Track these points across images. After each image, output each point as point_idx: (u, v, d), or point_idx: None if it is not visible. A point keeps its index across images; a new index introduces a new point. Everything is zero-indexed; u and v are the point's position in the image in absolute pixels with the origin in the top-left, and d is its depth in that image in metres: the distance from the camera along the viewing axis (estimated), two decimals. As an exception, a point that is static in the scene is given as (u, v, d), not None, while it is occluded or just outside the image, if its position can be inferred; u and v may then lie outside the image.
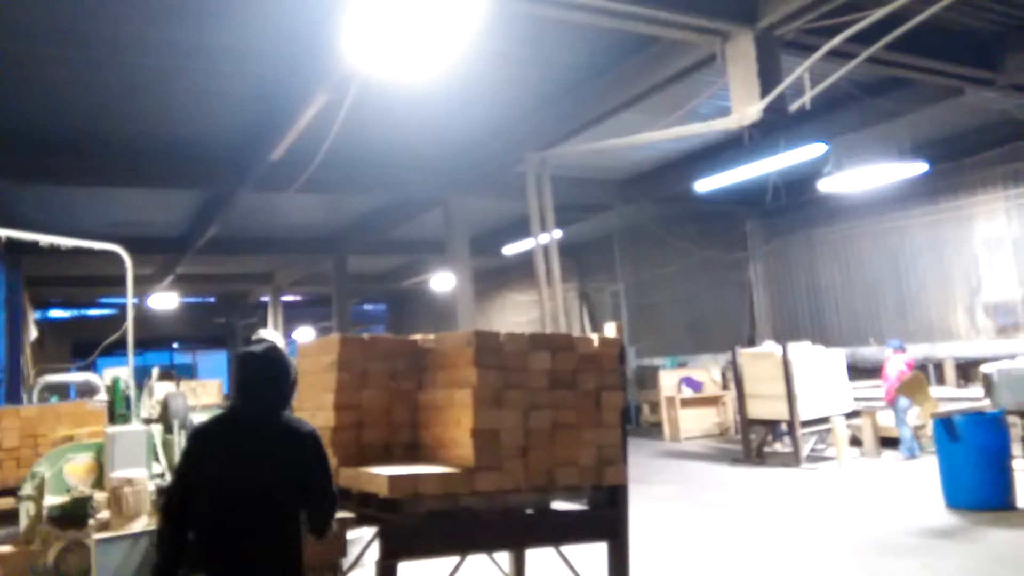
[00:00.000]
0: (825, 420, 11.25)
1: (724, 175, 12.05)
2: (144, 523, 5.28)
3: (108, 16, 6.47)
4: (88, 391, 12.83)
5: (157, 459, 6.73)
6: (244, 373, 3.12)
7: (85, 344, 25.21)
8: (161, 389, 9.92)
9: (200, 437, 3.14)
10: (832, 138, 10.56)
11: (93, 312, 28.64)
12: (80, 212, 13.02)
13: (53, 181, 10.34)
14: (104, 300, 26.28)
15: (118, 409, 8.29)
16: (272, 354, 3.16)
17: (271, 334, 5.15)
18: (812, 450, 11.77)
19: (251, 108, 8.70)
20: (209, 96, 8.33)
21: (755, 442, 11.94)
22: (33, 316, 18.44)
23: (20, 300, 15.53)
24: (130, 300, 7.99)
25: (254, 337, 5.12)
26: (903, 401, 10.87)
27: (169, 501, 3.11)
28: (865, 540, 7.06)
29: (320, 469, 3.06)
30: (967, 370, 12.24)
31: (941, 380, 12.40)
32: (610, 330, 4.28)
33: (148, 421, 8.19)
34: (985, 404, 8.71)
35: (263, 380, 3.10)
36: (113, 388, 8.49)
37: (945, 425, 8.09)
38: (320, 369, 4.24)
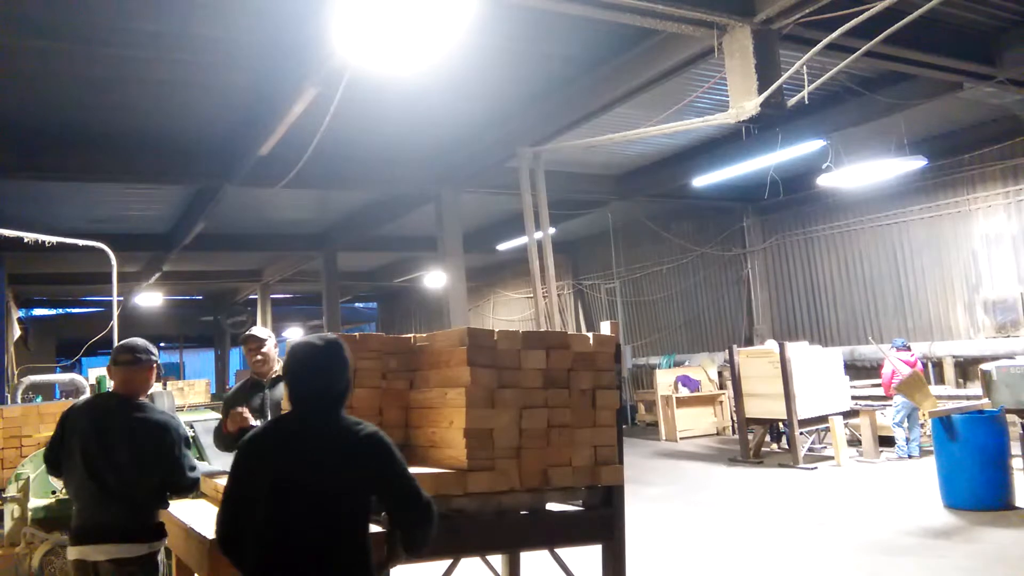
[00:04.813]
0: (823, 419, 11.18)
1: (721, 171, 12.01)
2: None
3: (91, 6, 6.33)
4: (73, 391, 12.72)
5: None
6: (300, 368, 2.71)
7: (70, 343, 25.13)
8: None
9: (248, 449, 2.71)
10: (830, 133, 10.51)
11: (78, 310, 28.52)
12: (64, 208, 12.89)
13: (36, 176, 10.17)
14: (89, 298, 26.14)
15: (104, 409, 8.17)
16: (333, 347, 2.75)
17: (263, 332, 5.04)
18: (810, 450, 11.71)
19: (239, 102, 8.58)
20: (196, 89, 8.20)
21: (752, 442, 11.87)
22: (16, 314, 18.30)
23: (3, 297, 15.40)
24: (115, 298, 7.89)
25: (247, 334, 5.02)
26: (899, 400, 10.82)
27: (221, 530, 2.70)
28: (863, 540, 6.99)
29: (392, 472, 2.66)
30: (966, 368, 12.20)
31: (940, 379, 12.35)
32: (606, 328, 4.19)
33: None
34: (984, 403, 8.64)
35: (320, 377, 2.69)
36: (98, 388, 8.38)
37: (944, 424, 8.02)
38: (308, 368, 4.15)
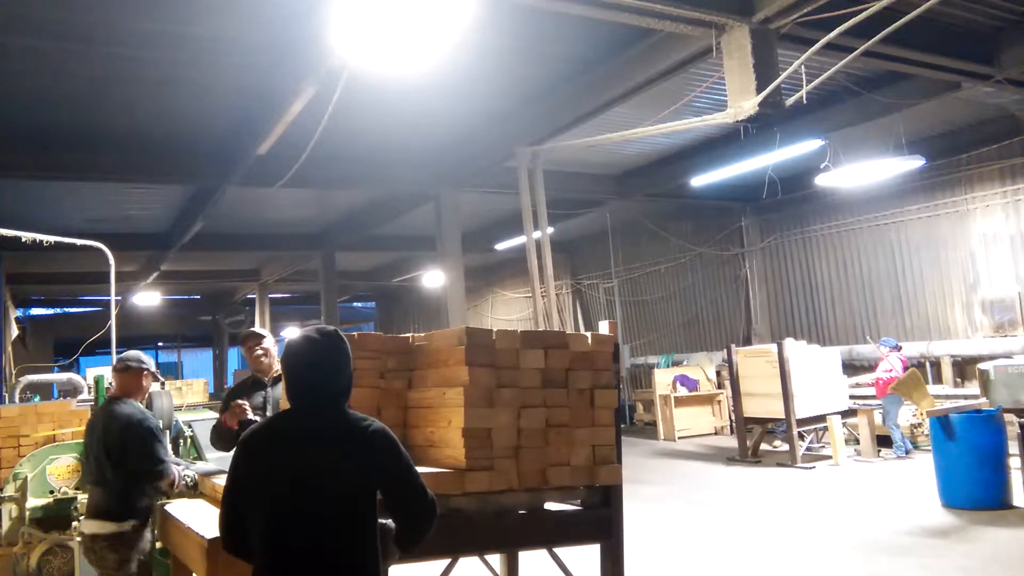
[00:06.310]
0: (821, 419, 11.19)
1: (720, 170, 12.02)
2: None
3: (91, 6, 6.32)
4: (71, 390, 12.71)
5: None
6: (298, 363, 2.63)
7: (68, 342, 25.14)
8: (146, 388, 9.76)
9: (246, 448, 2.61)
10: (828, 133, 10.51)
11: (76, 310, 28.48)
12: (61, 207, 12.87)
13: (34, 176, 10.17)
14: (87, 297, 26.10)
15: (102, 409, 8.16)
16: (333, 340, 2.66)
17: (262, 330, 5.06)
18: (808, 449, 11.71)
19: (237, 101, 8.57)
20: (194, 88, 8.19)
21: (751, 441, 11.87)
22: (14, 313, 18.28)
23: (1, 297, 15.37)
24: (113, 297, 7.88)
25: (246, 332, 5.02)
26: (892, 399, 10.83)
27: (224, 532, 2.64)
28: (862, 539, 6.99)
29: (400, 469, 2.60)
30: (964, 368, 12.21)
31: (938, 378, 12.36)
32: (604, 328, 4.19)
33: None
34: (982, 402, 8.65)
35: (321, 371, 2.60)
36: (96, 388, 8.36)
37: (942, 423, 8.02)
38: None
